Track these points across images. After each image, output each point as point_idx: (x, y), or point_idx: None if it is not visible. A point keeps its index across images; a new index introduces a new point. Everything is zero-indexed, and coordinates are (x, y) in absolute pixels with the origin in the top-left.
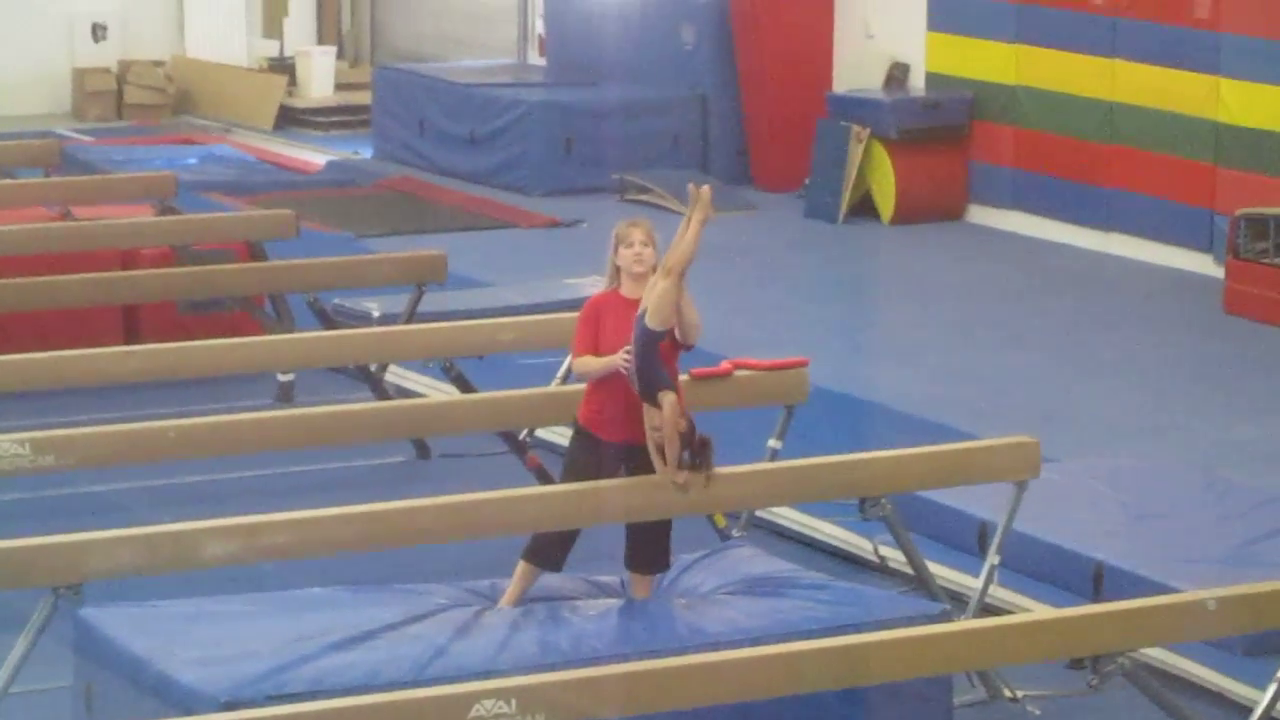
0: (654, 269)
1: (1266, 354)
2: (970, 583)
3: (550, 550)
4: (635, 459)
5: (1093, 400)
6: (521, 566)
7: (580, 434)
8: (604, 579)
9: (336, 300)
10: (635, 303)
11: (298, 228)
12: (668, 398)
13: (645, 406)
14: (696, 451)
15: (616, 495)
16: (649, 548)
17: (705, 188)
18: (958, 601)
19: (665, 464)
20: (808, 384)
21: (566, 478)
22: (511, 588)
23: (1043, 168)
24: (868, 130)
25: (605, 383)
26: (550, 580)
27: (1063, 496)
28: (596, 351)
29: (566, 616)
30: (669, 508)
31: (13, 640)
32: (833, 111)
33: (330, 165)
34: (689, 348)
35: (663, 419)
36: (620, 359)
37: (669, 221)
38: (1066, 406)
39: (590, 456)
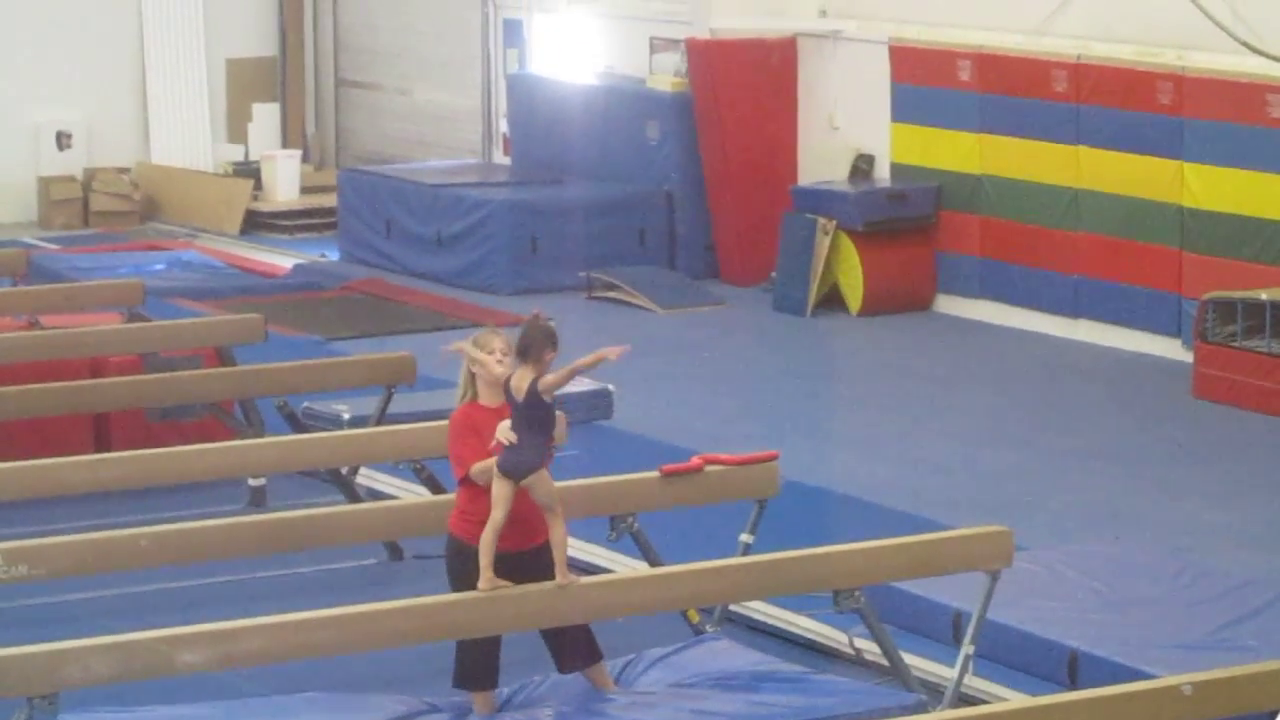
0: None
1: (1236, 438)
2: (945, 673)
3: (476, 671)
4: (521, 566)
5: (1064, 487)
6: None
7: (455, 543)
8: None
9: (306, 404)
10: (498, 411)
11: (265, 332)
12: (540, 476)
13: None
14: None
15: (590, 591)
16: (576, 644)
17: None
18: (933, 692)
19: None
20: (779, 478)
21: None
22: (477, 708)
23: (1010, 256)
24: (834, 222)
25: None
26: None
27: (1036, 585)
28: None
29: None
30: (643, 604)
31: None
32: (799, 204)
33: (297, 268)
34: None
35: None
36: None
37: (638, 317)
38: (1038, 494)
39: (473, 566)
